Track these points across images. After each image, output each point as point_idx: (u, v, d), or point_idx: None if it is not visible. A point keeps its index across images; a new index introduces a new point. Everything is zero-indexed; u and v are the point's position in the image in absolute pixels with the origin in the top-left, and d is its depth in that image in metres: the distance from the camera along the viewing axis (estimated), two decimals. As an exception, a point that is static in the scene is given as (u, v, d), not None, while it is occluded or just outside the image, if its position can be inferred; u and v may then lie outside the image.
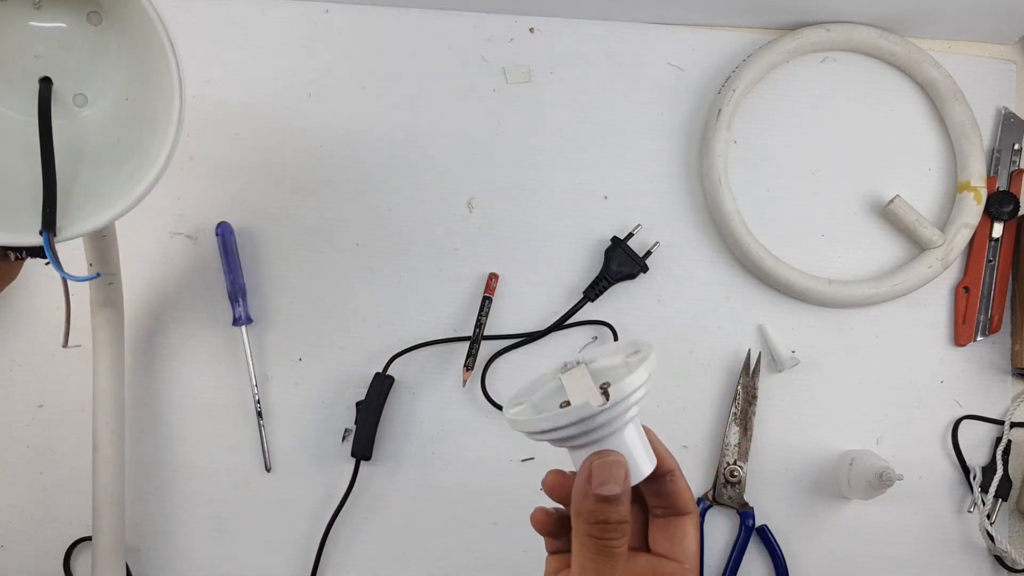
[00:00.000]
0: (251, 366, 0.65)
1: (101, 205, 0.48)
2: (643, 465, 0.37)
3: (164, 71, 0.47)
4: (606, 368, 0.41)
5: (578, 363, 0.39)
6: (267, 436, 0.65)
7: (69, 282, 0.51)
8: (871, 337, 0.67)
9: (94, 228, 0.48)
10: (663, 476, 0.38)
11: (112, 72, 0.52)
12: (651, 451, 0.37)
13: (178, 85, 0.47)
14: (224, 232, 0.66)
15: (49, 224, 0.47)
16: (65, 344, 0.57)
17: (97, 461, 0.60)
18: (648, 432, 0.38)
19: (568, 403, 0.37)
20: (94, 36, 0.51)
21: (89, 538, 0.62)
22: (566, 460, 0.38)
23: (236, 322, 0.65)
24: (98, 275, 0.56)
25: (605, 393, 0.35)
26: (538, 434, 0.36)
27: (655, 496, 0.38)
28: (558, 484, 0.38)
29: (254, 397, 0.65)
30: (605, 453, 0.35)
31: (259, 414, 0.65)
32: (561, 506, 0.39)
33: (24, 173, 0.50)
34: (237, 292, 0.65)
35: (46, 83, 0.51)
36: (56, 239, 0.47)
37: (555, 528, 0.38)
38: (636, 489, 0.38)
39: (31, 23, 0.50)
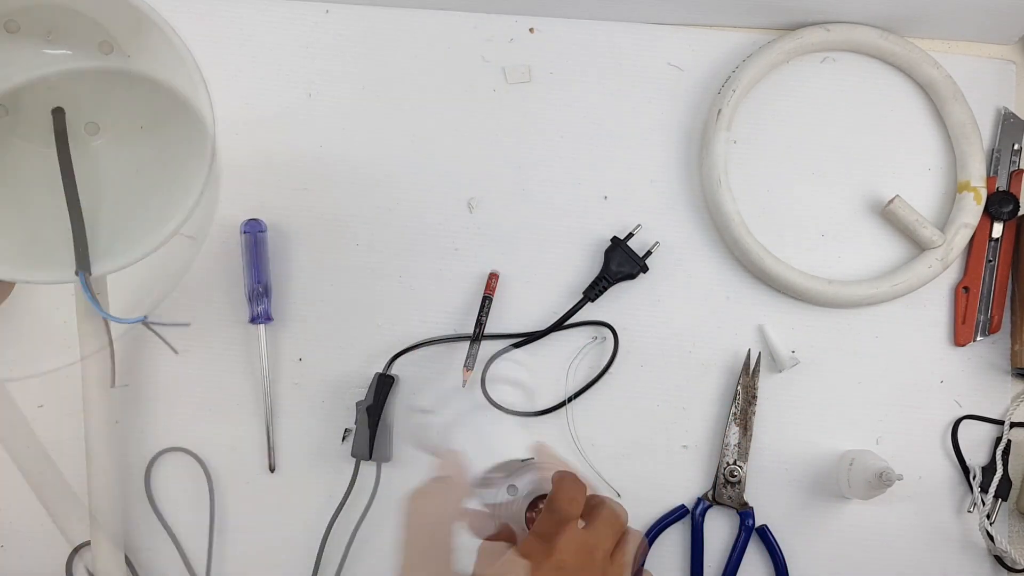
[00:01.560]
0: (265, 366, 0.65)
1: (130, 241, 0.46)
2: None
3: (183, 99, 0.46)
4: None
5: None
6: (273, 436, 0.65)
7: (109, 321, 0.49)
8: (871, 337, 0.67)
9: (125, 265, 0.46)
10: None
11: (123, 100, 0.51)
12: None
13: (211, 119, 0.45)
14: (253, 229, 0.65)
15: (84, 263, 0.44)
16: (113, 384, 0.55)
17: (92, 471, 0.60)
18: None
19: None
20: (106, 64, 0.51)
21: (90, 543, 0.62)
22: None
23: (255, 320, 0.64)
24: (145, 318, 0.52)
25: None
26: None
27: None
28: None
29: (266, 397, 0.65)
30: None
31: (269, 413, 0.65)
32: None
33: (49, 207, 0.49)
34: (260, 290, 0.65)
35: (59, 114, 0.49)
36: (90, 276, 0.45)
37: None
38: None
39: (45, 51, 0.49)
